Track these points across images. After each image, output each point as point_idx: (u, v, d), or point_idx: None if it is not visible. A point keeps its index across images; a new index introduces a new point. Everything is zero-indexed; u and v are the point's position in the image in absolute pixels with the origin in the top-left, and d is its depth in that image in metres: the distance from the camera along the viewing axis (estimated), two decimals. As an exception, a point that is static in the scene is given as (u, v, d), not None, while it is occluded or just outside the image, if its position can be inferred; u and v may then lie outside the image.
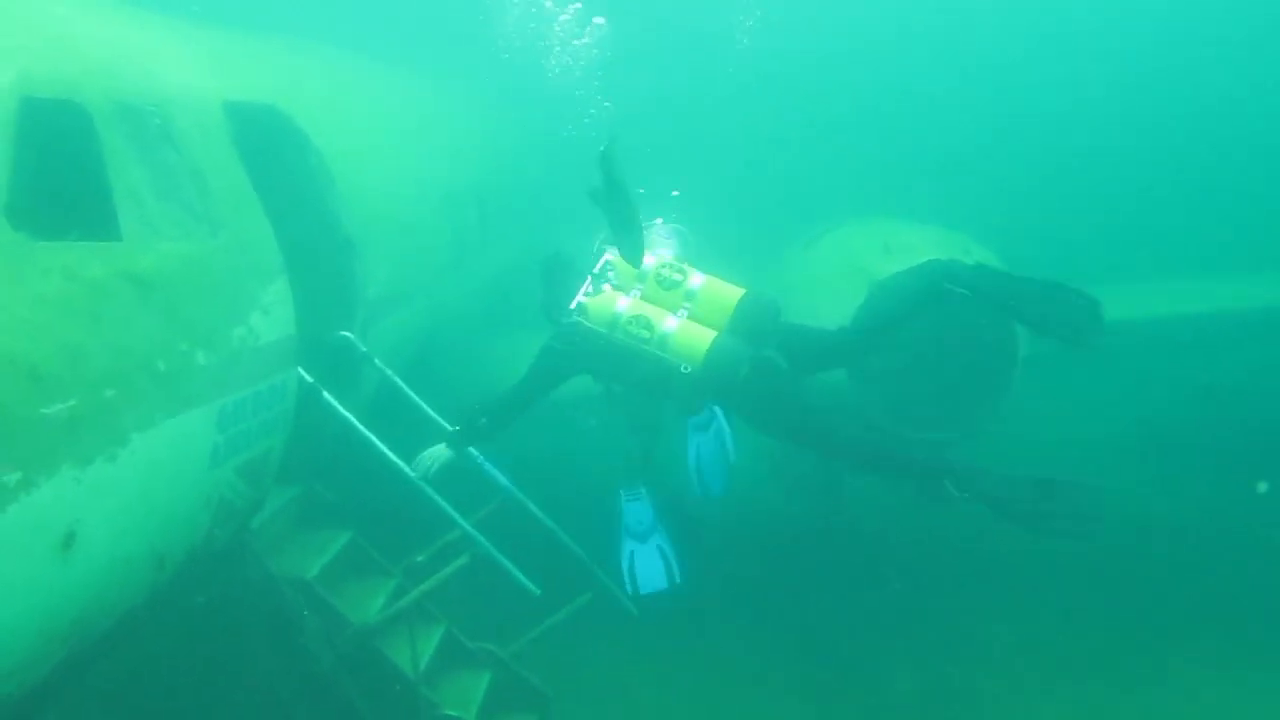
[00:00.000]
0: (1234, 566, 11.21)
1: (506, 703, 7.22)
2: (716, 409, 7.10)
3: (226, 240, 5.91)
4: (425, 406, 8.09)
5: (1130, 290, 11.41)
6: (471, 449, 7.42)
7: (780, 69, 21.09)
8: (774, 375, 6.88)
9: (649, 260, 7.28)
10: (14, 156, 4.56)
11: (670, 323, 7.02)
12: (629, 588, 7.93)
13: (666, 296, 7.21)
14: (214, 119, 6.39)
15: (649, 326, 6.96)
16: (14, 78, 4.71)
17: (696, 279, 7.29)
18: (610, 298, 7.15)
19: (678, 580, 8.01)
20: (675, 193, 9.25)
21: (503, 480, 7.73)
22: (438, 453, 7.24)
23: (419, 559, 7.25)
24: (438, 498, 7.11)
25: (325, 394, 6.89)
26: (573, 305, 7.12)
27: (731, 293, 7.28)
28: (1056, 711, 9.14)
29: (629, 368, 7.03)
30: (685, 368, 6.91)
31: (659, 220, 8.31)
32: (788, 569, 11.05)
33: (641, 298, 7.20)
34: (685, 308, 7.18)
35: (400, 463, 7.07)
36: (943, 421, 9.09)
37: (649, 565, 7.96)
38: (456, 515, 7.16)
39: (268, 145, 7.24)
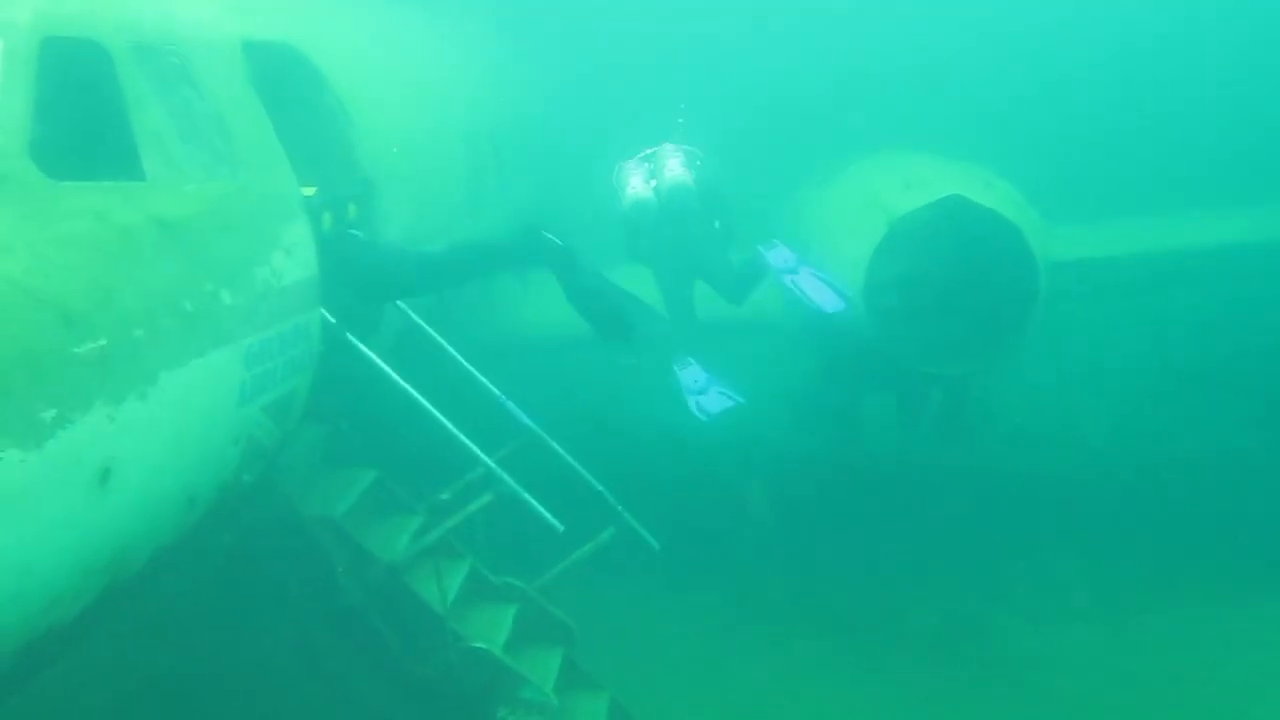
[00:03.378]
0: (1250, 503, 11.24)
1: (531, 635, 7.33)
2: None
3: (248, 180, 5.92)
4: (447, 345, 8.12)
5: (1148, 224, 11.28)
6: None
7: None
8: None
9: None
10: (36, 97, 4.57)
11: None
12: (702, 418, 9.27)
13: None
14: (233, 58, 6.36)
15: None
16: (33, 16, 4.70)
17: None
18: None
19: (742, 400, 9.39)
20: (680, 119, 10.24)
21: (525, 418, 7.79)
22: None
23: (443, 496, 7.31)
24: (461, 435, 7.15)
25: (349, 335, 6.92)
26: None
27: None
28: (1071, 644, 9.25)
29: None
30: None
31: (666, 144, 9.76)
32: (803, 504, 11.15)
33: None
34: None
35: (425, 401, 7.10)
36: (962, 356, 9.08)
37: (713, 401, 9.32)
38: (480, 452, 7.21)
39: (286, 85, 7.20)
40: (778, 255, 9.34)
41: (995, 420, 11.91)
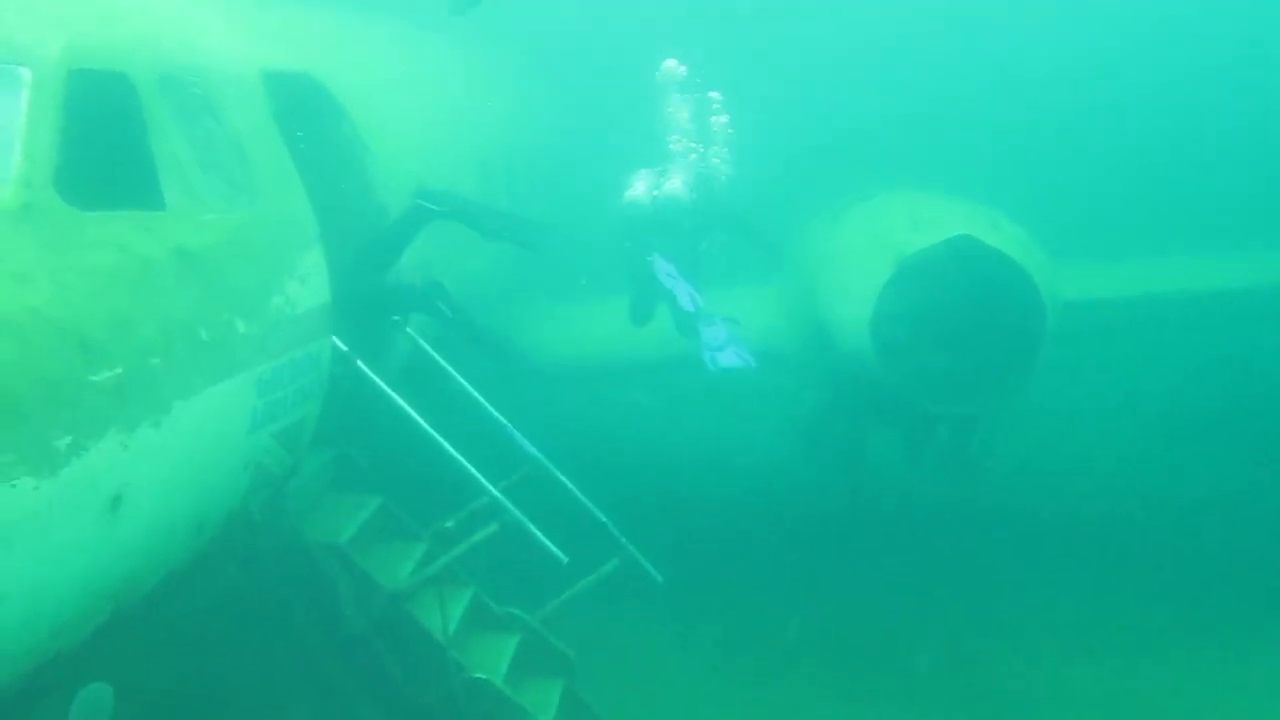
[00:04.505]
0: (1256, 544, 11.21)
1: (533, 666, 7.34)
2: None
3: (265, 210, 6.00)
4: (455, 373, 8.17)
5: (1155, 265, 11.32)
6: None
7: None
8: None
9: None
10: (62, 127, 4.66)
11: None
12: (712, 369, 9.36)
13: None
14: (252, 88, 6.46)
15: None
16: (61, 49, 4.79)
17: None
18: None
19: (754, 365, 9.40)
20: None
21: (530, 447, 7.83)
22: None
23: (448, 525, 7.34)
24: (467, 464, 7.20)
25: (359, 362, 6.98)
26: None
27: None
28: (1074, 684, 9.21)
29: None
30: None
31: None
32: (811, 541, 11.14)
33: None
34: None
35: (431, 430, 7.15)
36: (968, 394, 9.11)
37: (728, 358, 9.38)
38: (485, 481, 7.25)
39: (304, 113, 7.30)
40: (710, 334, 9.44)
41: (1000, 457, 11.92)
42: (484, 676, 6.85)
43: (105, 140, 5.02)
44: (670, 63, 10.88)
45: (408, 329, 8.04)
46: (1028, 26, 22.61)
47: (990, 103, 21.47)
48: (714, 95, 10.95)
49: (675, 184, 9.93)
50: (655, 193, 9.95)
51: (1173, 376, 15.94)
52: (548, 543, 7.19)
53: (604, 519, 8.04)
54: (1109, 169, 20.74)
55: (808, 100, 20.84)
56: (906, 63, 22.31)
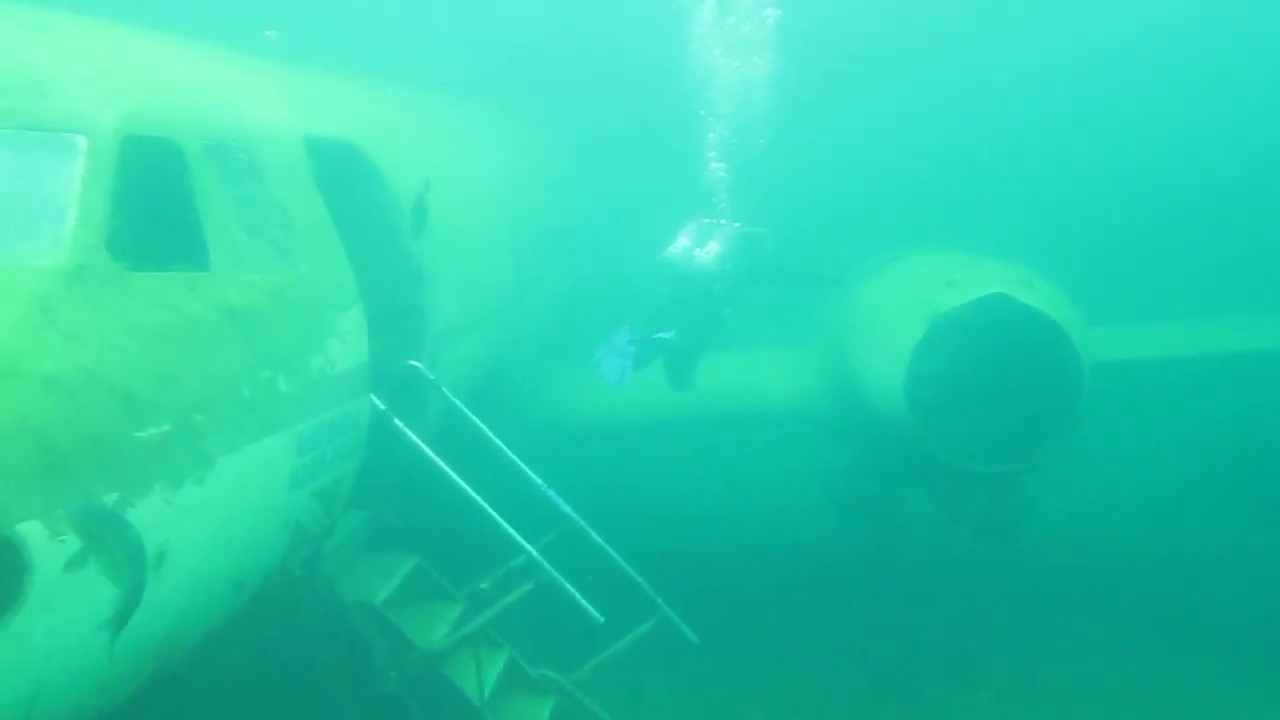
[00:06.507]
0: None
1: (568, 730, 7.27)
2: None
3: (307, 271, 6.11)
4: (489, 433, 8.18)
5: (1189, 326, 11.27)
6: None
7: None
8: None
9: None
10: (114, 191, 4.79)
11: None
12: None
13: None
14: (295, 154, 6.62)
15: None
16: (115, 118, 4.95)
17: None
18: None
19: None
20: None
21: (565, 507, 7.81)
22: None
23: (483, 585, 7.32)
24: (504, 523, 7.18)
25: (397, 421, 7.02)
26: None
27: None
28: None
29: None
30: None
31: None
32: (843, 598, 11.00)
33: None
34: None
35: (468, 488, 7.15)
36: (1005, 453, 9.04)
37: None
38: (522, 540, 7.22)
39: (344, 178, 7.45)
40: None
41: (1034, 518, 11.79)
42: (519, 740, 6.78)
43: (155, 203, 5.15)
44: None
45: (443, 389, 8.10)
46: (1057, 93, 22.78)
47: (1021, 164, 21.57)
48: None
49: (708, 253, 10.17)
50: (692, 255, 10.19)
51: (1207, 437, 15.74)
52: (584, 602, 7.12)
53: (639, 579, 7.97)
54: (1141, 230, 20.71)
55: (840, 161, 21.00)
56: (935, 127, 22.50)
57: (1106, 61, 22.59)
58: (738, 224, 10.57)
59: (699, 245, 10.23)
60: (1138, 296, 13.90)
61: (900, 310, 9.31)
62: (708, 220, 10.59)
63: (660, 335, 10.08)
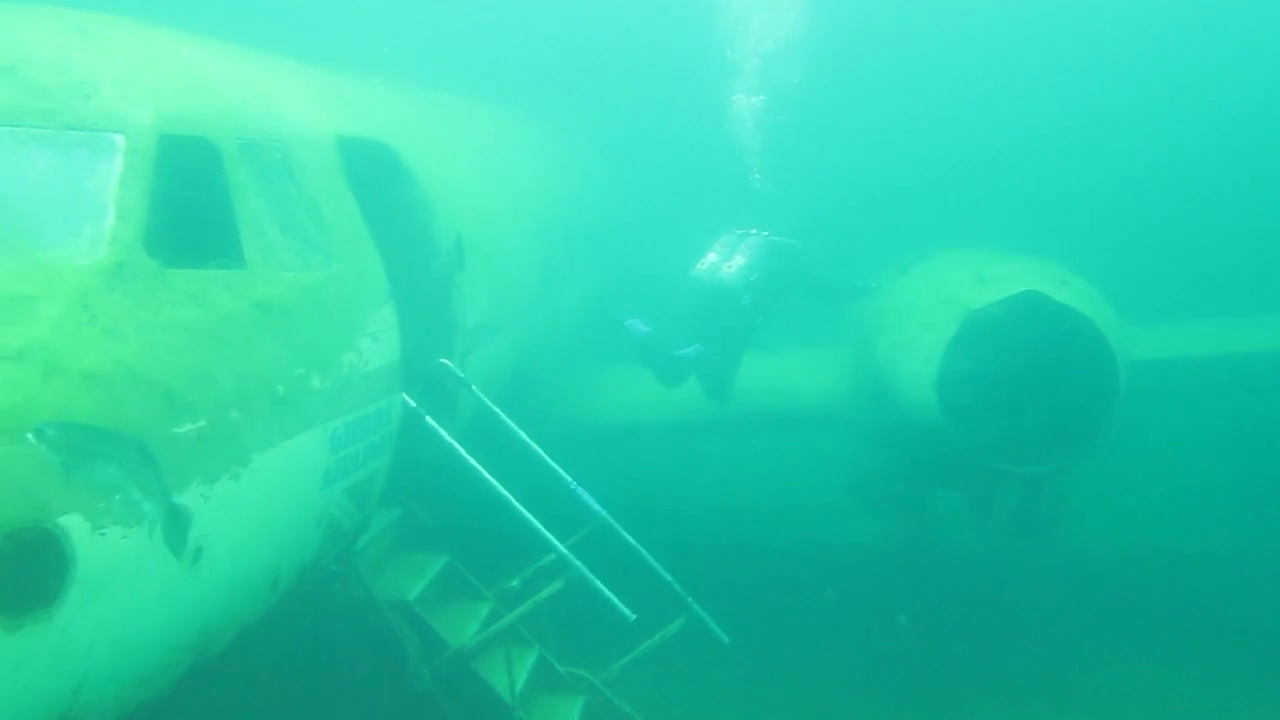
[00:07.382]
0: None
1: (598, 729, 7.26)
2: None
3: (340, 269, 6.14)
4: (520, 431, 8.19)
5: (1227, 324, 11.12)
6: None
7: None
8: None
9: None
10: (151, 190, 4.84)
11: None
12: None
13: None
14: (328, 153, 6.66)
15: None
16: (153, 117, 5.00)
17: None
18: None
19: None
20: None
21: (595, 505, 7.81)
22: None
23: (513, 584, 7.34)
24: (535, 521, 7.19)
25: (428, 418, 7.05)
26: None
27: None
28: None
29: None
30: None
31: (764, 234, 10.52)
32: (875, 599, 10.92)
33: None
34: None
35: (499, 486, 7.17)
36: (1039, 454, 8.95)
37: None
38: (553, 538, 7.23)
39: (375, 178, 7.49)
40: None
41: (1067, 519, 11.66)
42: (550, 738, 6.78)
43: (191, 201, 5.19)
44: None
45: (473, 387, 8.13)
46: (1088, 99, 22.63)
47: (1061, 157, 21.42)
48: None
49: (733, 268, 10.23)
50: (719, 269, 10.25)
51: (1246, 438, 15.52)
52: (615, 600, 7.11)
53: (669, 578, 7.96)
54: (1177, 228, 20.50)
55: (867, 160, 20.94)
56: (979, 118, 22.39)
57: (1136, 59, 22.42)
58: (766, 233, 10.55)
59: (726, 259, 10.26)
60: (1170, 295, 13.75)
61: (932, 309, 9.23)
62: (738, 231, 10.57)
63: (685, 351, 10.14)
